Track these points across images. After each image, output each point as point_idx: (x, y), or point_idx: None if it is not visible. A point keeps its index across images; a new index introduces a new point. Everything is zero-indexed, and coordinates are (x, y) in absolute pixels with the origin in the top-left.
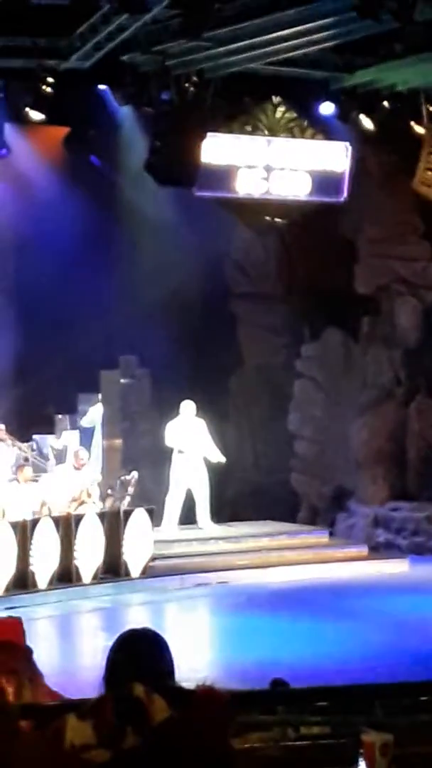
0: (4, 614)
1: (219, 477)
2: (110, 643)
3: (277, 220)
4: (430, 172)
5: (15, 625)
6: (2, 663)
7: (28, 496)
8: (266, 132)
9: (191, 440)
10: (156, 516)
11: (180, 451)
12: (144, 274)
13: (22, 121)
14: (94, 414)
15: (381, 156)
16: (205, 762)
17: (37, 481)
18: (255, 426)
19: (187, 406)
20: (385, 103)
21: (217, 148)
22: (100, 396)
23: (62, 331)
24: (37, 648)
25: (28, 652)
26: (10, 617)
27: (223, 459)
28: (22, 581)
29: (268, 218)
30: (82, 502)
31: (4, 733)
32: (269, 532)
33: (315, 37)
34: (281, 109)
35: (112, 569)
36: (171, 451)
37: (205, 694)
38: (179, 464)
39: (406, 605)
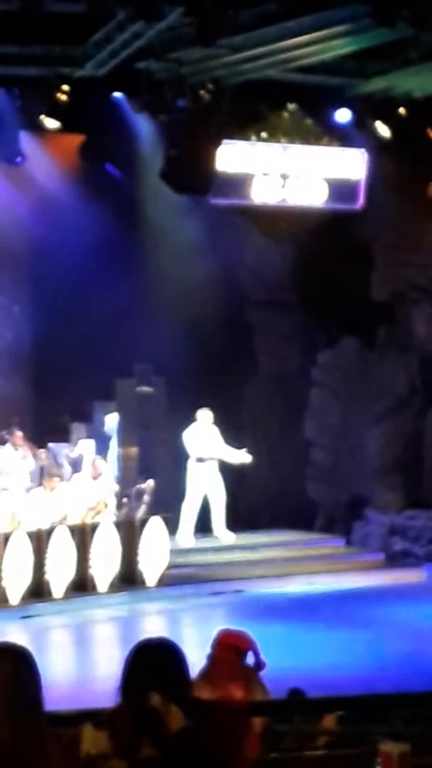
0: (19, 623)
1: (235, 485)
2: (126, 653)
3: (292, 227)
4: None
5: (243, 638)
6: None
7: (48, 505)
8: (282, 139)
9: (208, 448)
10: (172, 524)
11: (200, 459)
12: (159, 281)
13: (38, 129)
14: (109, 423)
15: (397, 163)
16: None
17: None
18: (271, 434)
19: (204, 414)
20: (401, 110)
21: (232, 156)
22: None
23: (77, 339)
24: (52, 657)
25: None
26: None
27: (249, 458)
28: (39, 590)
29: (283, 226)
30: (99, 512)
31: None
32: (285, 540)
33: (331, 44)
34: (297, 116)
35: (128, 578)
36: (187, 459)
37: (222, 704)
38: (196, 472)
39: (423, 614)
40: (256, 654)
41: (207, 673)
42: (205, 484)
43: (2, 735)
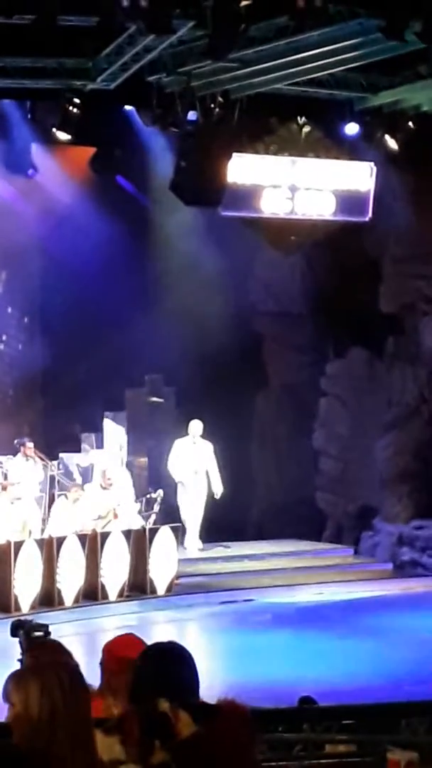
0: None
1: (244, 495)
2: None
3: (302, 239)
4: None
5: (134, 642)
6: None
7: (62, 514)
8: (291, 152)
9: (195, 462)
10: (181, 533)
11: (180, 483)
12: (169, 293)
13: (49, 141)
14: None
15: (405, 176)
16: None
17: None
18: (280, 444)
19: (195, 426)
20: (410, 124)
21: (242, 168)
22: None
23: (88, 350)
24: None
25: None
26: (127, 634)
27: (221, 490)
28: (48, 599)
29: (292, 237)
30: (109, 521)
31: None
32: (294, 550)
33: (340, 57)
34: (306, 129)
35: (138, 587)
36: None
37: (229, 709)
38: (183, 488)
39: (431, 623)
40: None
41: (99, 687)
42: (192, 495)
43: (61, 742)
